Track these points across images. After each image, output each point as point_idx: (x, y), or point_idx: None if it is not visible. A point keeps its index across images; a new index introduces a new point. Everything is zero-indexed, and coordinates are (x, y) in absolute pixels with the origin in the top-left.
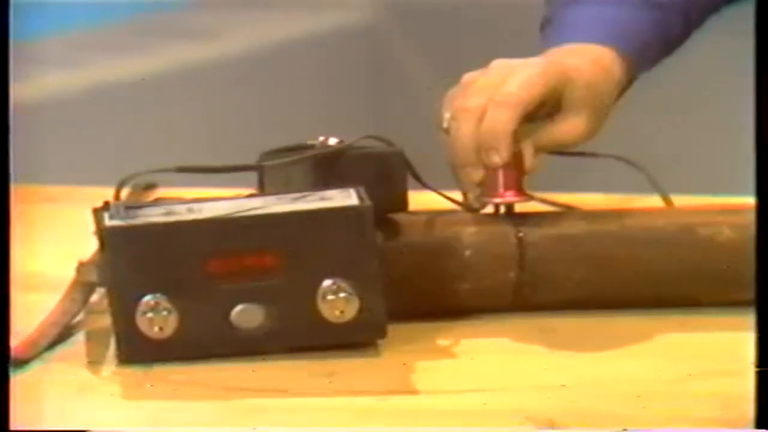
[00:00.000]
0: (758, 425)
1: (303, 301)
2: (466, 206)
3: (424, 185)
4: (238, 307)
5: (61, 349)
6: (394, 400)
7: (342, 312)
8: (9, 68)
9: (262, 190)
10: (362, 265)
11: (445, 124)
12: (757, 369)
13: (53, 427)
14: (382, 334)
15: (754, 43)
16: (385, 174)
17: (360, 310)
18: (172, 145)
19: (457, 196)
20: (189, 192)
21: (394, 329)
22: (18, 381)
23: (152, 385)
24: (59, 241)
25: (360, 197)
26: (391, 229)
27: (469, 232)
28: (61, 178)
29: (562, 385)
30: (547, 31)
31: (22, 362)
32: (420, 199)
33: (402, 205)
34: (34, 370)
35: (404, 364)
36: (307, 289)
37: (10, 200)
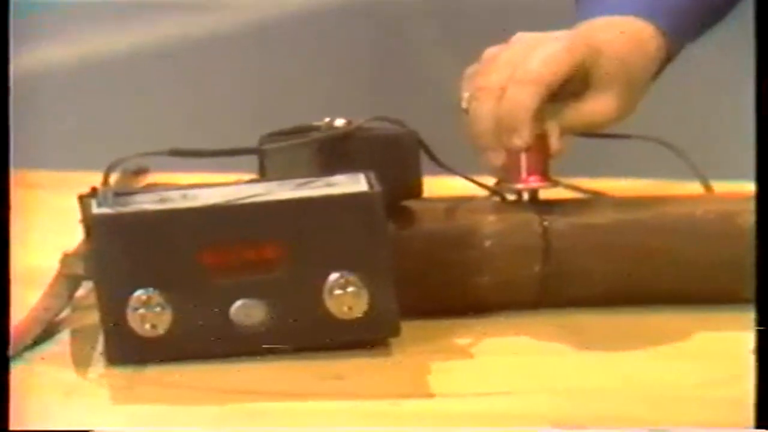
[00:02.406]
0: (758, 425)
1: (308, 296)
2: (495, 192)
3: (445, 168)
4: (238, 303)
5: (44, 349)
6: (408, 404)
7: (350, 308)
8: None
9: (263, 176)
10: (372, 256)
11: (463, 104)
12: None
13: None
14: (395, 332)
15: (754, 43)
16: (397, 157)
17: (370, 306)
18: (164, 126)
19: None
20: (183, 177)
21: (407, 327)
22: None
23: (144, 388)
24: (42, 230)
25: (369, 183)
26: (403, 217)
27: (490, 220)
28: (44, 162)
29: (589, 388)
30: (580, 4)
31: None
32: (436, 185)
33: (416, 191)
34: (14, 371)
35: (418, 364)
36: (312, 284)
37: (9, 191)
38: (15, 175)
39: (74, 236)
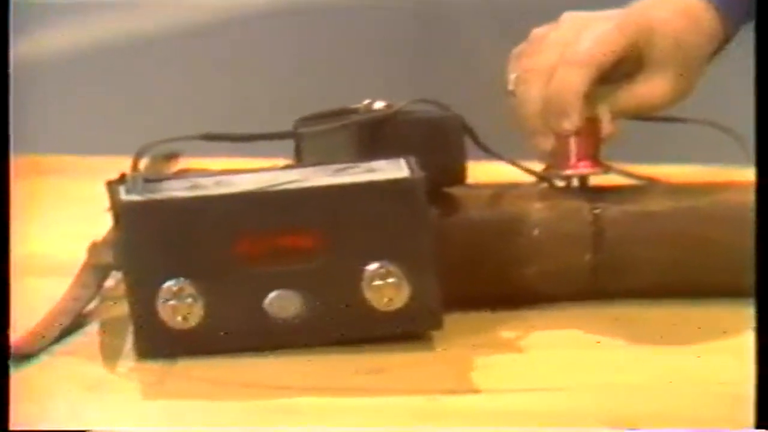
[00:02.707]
0: (758, 425)
1: (346, 287)
2: (543, 178)
3: (490, 153)
4: (273, 294)
5: (70, 342)
6: (450, 400)
7: (390, 299)
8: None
9: (299, 161)
10: (414, 245)
11: (510, 86)
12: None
13: (58, 427)
14: (437, 324)
15: (754, 42)
16: (440, 142)
17: (411, 298)
18: (196, 109)
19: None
20: (216, 163)
21: (450, 319)
22: (20, 377)
23: (174, 383)
24: (67, 219)
25: (411, 168)
26: (446, 204)
27: (538, 207)
28: (67, 146)
29: (642, 385)
30: None
31: (26, 356)
32: (480, 171)
33: (459, 176)
34: (39, 365)
35: (462, 359)
36: (351, 274)
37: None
38: (36, 161)
39: (102, 225)
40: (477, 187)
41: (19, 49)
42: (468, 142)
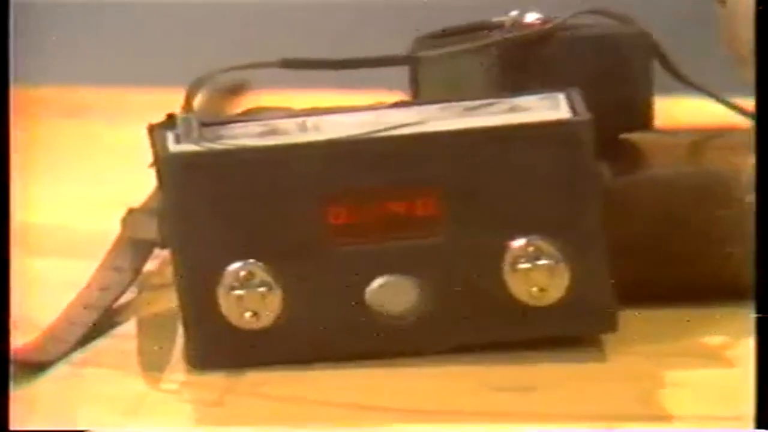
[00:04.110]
0: (758, 425)
1: (480, 271)
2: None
3: (689, 84)
4: (377, 281)
5: (98, 348)
6: (628, 430)
7: (543, 289)
8: None
9: (417, 97)
10: (576, 215)
11: None
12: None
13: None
14: (609, 325)
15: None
16: (617, 69)
17: (572, 287)
18: (267, 25)
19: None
20: (298, 98)
21: (627, 318)
22: (29, 395)
23: (239, 402)
24: (87, 176)
25: (573, 106)
26: (624, 157)
27: (752, 164)
28: (86, 74)
29: None
30: None
31: (35, 367)
32: (674, 110)
33: (644, 119)
34: (55, 377)
35: (644, 373)
36: (486, 253)
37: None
38: (42, 94)
39: (142, 185)
40: (668, 133)
41: None
42: (657, 70)
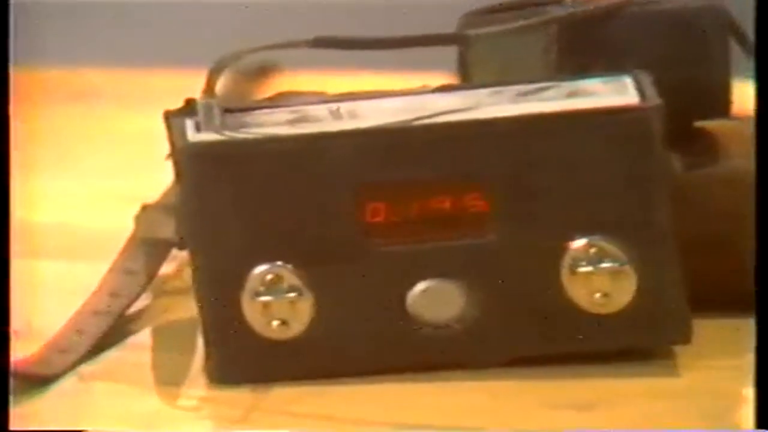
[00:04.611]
0: (758, 425)
1: (535, 274)
2: None
3: None
4: (419, 286)
5: (108, 359)
6: None
7: (606, 295)
8: None
9: (466, 80)
10: (644, 212)
11: None
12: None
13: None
14: (682, 336)
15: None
16: (692, 49)
17: (639, 293)
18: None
19: None
20: (332, 81)
21: (702, 327)
22: (31, 412)
23: (265, 420)
24: (96, 168)
25: (642, 90)
26: (699, 148)
27: None
28: (94, 55)
29: None
30: None
31: (41, 381)
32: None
33: (720, 104)
34: (60, 392)
35: (722, 390)
36: (542, 255)
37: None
38: (44, 76)
39: (156, 179)
40: (748, 121)
41: None
42: (735, 49)
